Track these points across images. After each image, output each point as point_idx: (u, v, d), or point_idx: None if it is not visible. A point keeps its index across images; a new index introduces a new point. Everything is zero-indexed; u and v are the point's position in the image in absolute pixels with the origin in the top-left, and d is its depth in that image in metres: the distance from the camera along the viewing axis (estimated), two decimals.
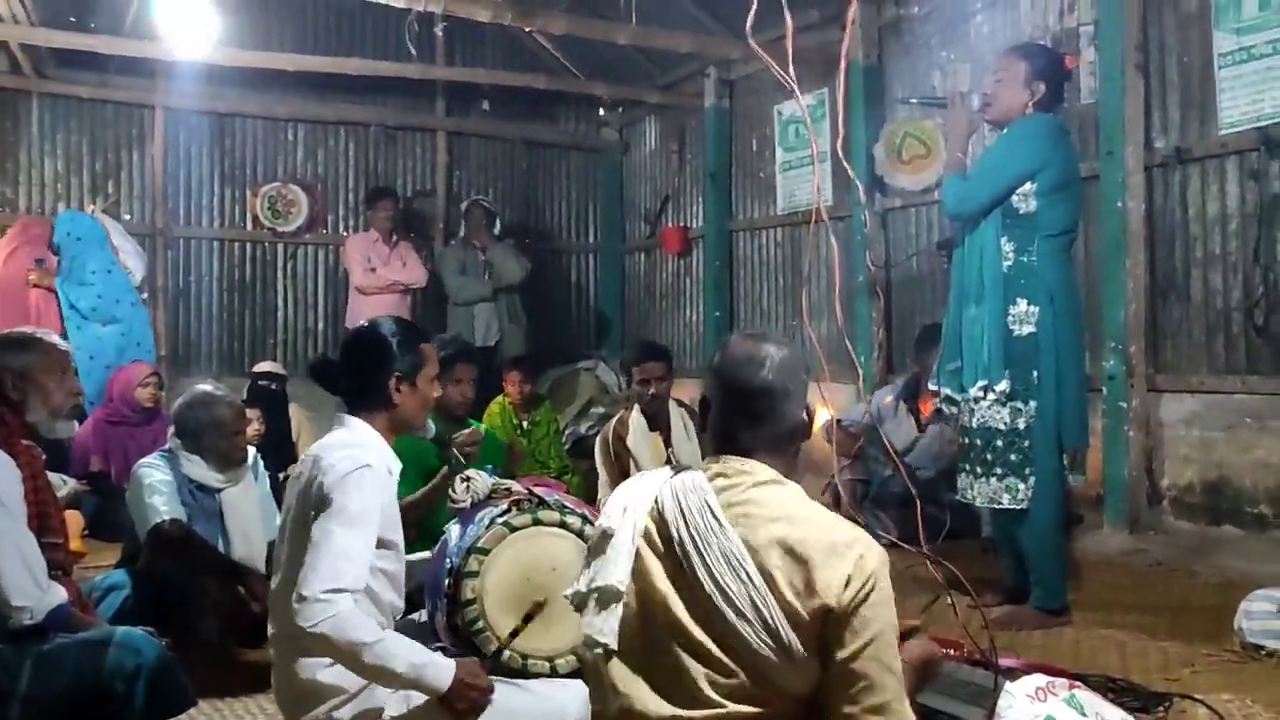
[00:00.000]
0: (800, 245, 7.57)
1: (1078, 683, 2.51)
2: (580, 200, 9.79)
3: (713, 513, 1.76)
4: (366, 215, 8.29)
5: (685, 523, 1.77)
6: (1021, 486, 3.84)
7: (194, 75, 7.84)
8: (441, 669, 2.31)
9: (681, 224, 8.87)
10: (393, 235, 8.00)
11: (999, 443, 3.86)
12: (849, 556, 1.71)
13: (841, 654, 1.69)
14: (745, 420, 1.87)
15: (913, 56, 6.62)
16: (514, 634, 2.58)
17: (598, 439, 5.07)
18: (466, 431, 3.82)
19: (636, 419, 4.82)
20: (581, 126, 9.75)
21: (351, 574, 2.27)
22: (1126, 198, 5.22)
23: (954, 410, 4.10)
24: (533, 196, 9.53)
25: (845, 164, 3.00)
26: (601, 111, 9.58)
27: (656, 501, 1.84)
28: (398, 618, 2.58)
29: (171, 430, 3.93)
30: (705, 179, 8.35)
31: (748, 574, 1.71)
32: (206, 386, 4.02)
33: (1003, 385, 3.83)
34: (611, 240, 9.79)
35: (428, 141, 9.07)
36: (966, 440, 3.99)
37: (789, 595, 1.69)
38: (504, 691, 2.44)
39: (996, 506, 3.92)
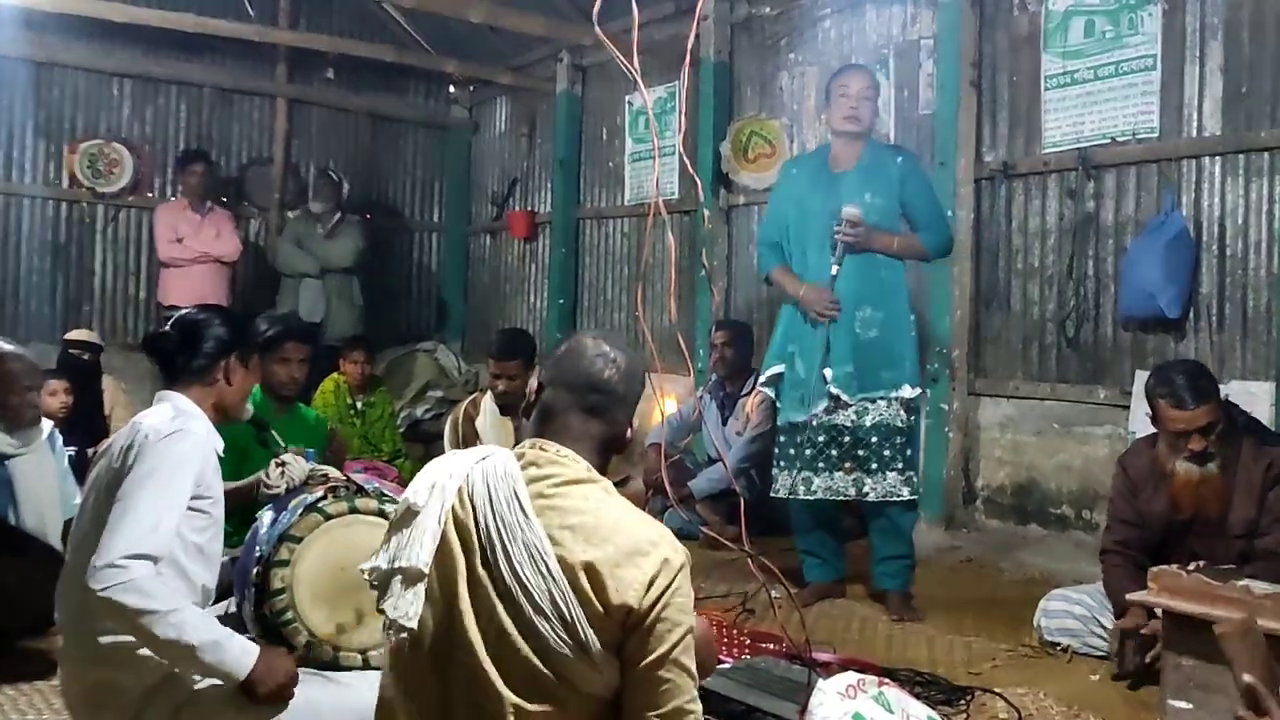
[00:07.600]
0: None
1: (886, 679, 2.58)
2: (426, 178, 9.56)
3: (520, 504, 1.73)
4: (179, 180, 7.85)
5: (492, 510, 1.74)
6: (915, 478, 4.11)
7: (9, 19, 7.27)
8: (242, 653, 2.18)
9: (529, 208, 8.78)
10: (206, 202, 7.56)
11: (898, 440, 4.05)
12: (653, 557, 1.70)
13: (645, 660, 1.69)
14: (578, 412, 1.87)
15: (762, 56, 6.71)
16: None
17: (449, 418, 4.93)
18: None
19: (489, 402, 4.70)
20: (430, 102, 9.52)
21: (154, 541, 2.15)
22: (957, 207, 5.43)
23: (831, 408, 4.10)
24: (376, 171, 9.24)
25: (686, 159, 3.00)
26: (451, 89, 9.36)
27: (466, 482, 1.79)
28: (210, 601, 2.44)
29: None
30: (555, 164, 8.27)
31: (549, 569, 1.68)
32: None
33: (918, 388, 4.08)
34: (456, 221, 9.61)
35: (266, 107, 8.67)
36: (849, 439, 4.07)
37: (590, 592, 1.67)
38: (313, 683, 2.35)
39: (895, 500, 4.06)
